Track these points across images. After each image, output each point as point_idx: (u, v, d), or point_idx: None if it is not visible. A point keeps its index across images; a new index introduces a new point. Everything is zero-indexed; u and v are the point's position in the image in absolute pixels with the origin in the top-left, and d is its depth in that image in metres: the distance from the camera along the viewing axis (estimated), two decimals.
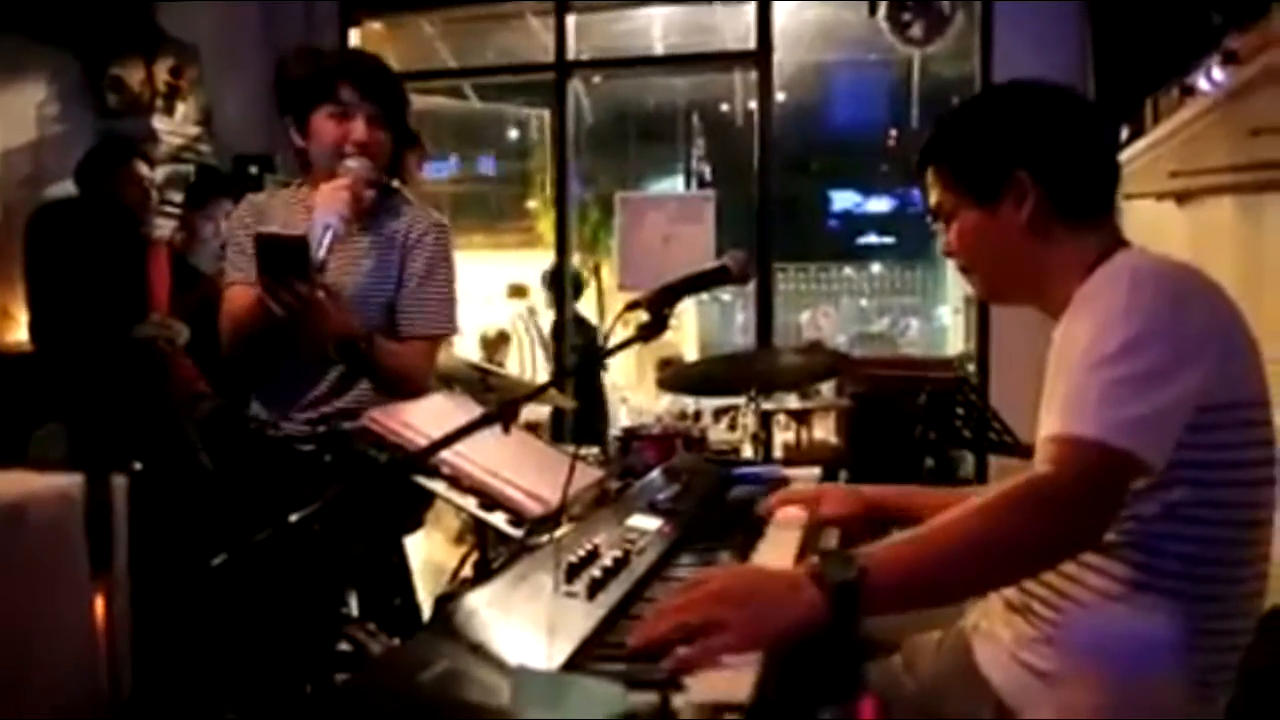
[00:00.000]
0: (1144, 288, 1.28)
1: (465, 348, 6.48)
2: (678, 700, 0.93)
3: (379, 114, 2.22)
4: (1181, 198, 2.88)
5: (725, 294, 10.44)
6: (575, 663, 1.03)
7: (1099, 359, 1.24)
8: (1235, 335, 1.32)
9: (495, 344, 6.98)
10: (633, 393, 7.46)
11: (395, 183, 2.39)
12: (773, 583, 1.17)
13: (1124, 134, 2.65)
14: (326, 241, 2.02)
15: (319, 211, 2.06)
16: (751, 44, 5.03)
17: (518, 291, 6.88)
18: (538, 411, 5.52)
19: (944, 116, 1.59)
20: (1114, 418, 1.20)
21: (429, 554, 4.94)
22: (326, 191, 2.12)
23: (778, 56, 5.07)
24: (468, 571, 2.14)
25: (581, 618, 1.14)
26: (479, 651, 1.02)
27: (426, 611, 2.45)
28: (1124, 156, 2.51)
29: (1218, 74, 1.83)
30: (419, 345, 2.26)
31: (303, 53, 2.37)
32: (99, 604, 1.18)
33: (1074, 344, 1.30)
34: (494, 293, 7.79)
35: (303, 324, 2.03)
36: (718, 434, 4.80)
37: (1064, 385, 1.27)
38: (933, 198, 1.54)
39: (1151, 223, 3.05)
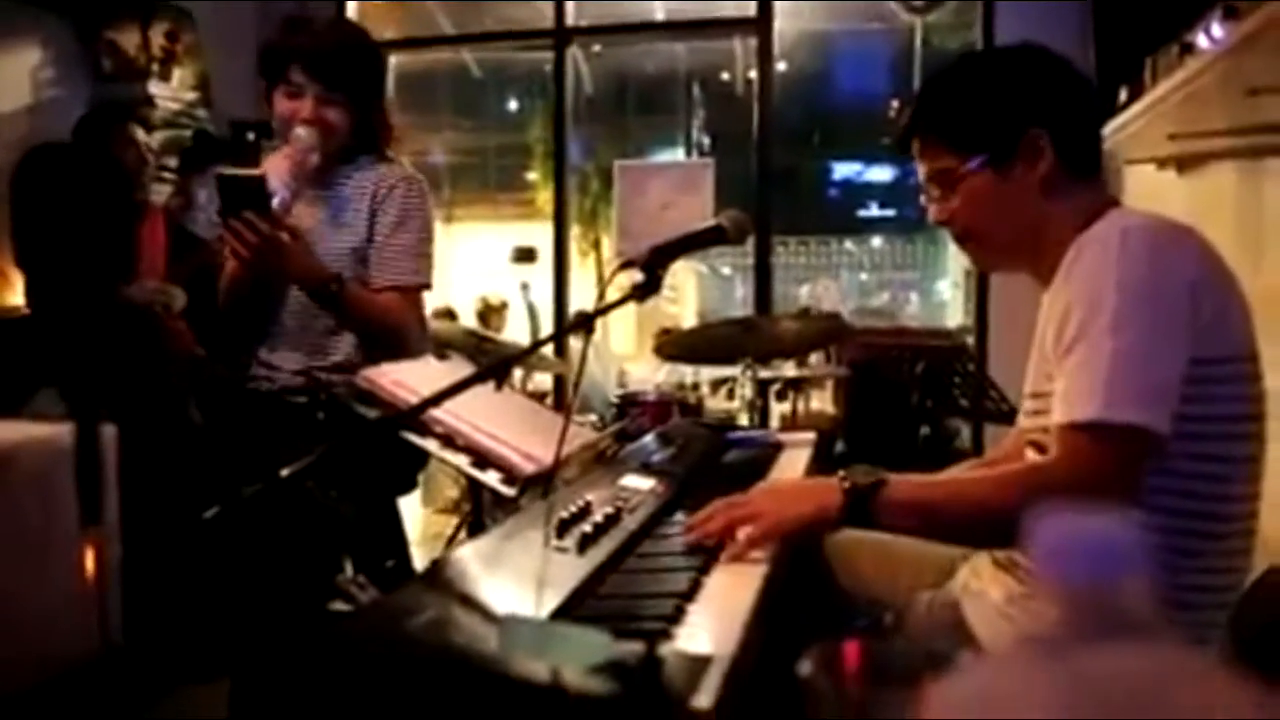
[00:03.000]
0: (1130, 248, 1.29)
1: (463, 317, 6.47)
2: (664, 649, 0.94)
3: (329, 93, 2.27)
4: (1181, 164, 2.87)
5: (725, 267, 10.44)
6: (564, 612, 1.03)
7: (1097, 334, 1.25)
8: (1225, 288, 1.33)
9: (493, 313, 6.94)
10: (631, 363, 7.46)
11: (389, 154, 2.44)
12: (803, 483, 1.48)
13: (1123, 95, 2.64)
14: (275, 208, 2.11)
15: (270, 182, 2.15)
16: (752, 11, 4.99)
17: (525, 255, 6.77)
18: (539, 381, 5.52)
19: (930, 84, 1.57)
20: (1122, 395, 1.22)
21: (425, 524, 4.96)
22: (273, 162, 2.24)
23: (778, 24, 5.02)
24: (463, 538, 2.14)
25: (571, 570, 1.14)
26: (468, 601, 1.02)
27: None
28: (1123, 119, 2.49)
29: (1217, 30, 1.82)
30: (393, 296, 2.31)
31: (283, 22, 2.40)
32: (89, 555, 1.18)
33: (1066, 311, 1.31)
34: (491, 263, 7.76)
35: (268, 265, 2.12)
36: (715, 403, 4.81)
37: (1067, 370, 1.28)
38: (928, 167, 1.52)
39: (1151, 190, 3.04)
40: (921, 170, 1.54)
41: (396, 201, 2.32)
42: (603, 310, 1.54)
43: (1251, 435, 1.34)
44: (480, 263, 7.87)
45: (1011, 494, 1.29)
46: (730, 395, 4.82)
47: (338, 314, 2.25)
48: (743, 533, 1.31)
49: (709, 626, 1.04)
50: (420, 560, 2.75)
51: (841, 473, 1.37)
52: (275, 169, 2.19)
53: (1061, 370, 1.30)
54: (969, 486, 1.39)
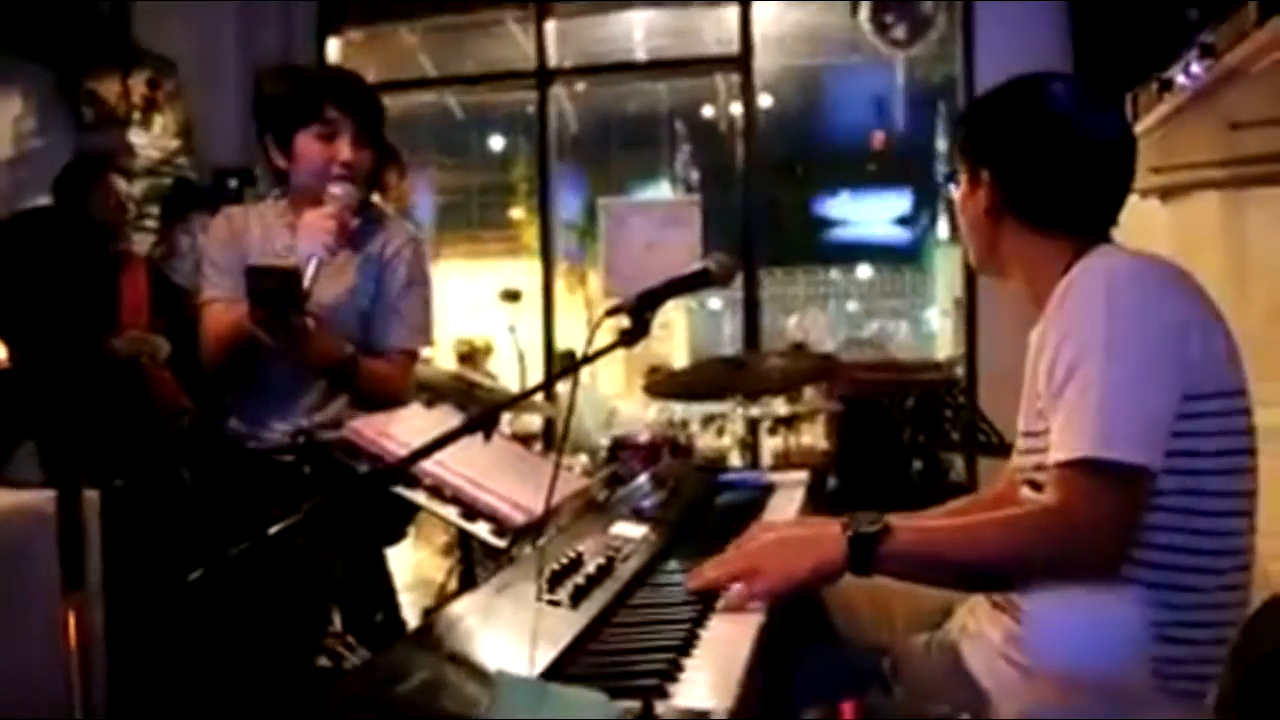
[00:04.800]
0: (1118, 287, 1.29)
1: (443, 358, 6.41)
2: (660, 707, 0.92)
3: (362, 131, 2.21)
4: (1165, 194, 2.88)
5: (714, 301, 10.44)
6: (557, 670, 1.01)
7: (1087, 373, 1.25)
8: (1212, 324, 1.33)
9: (478, 354, 6.89)
10: (621, 401, 7.43)
11: (375, 198, 2.40)
12: (805, 533, 1.37)
13: None
14: (311, 271, 2.02)
15: (304, 242, 2.06)
16: (734, 48, 5.03)
17: (511, 296, 6.73)
18: (527, 423, 5.48)
19: (992, 90, 1.58)
20: (1113, 432, 1.22)
21: (418, 568, 4.91)
22: (311, 221, 2.09)
23: (760, 60, 5.06)
24: (454, 585, 2.11)
25: (564, 625, 1.13)
26: (459, 660, 1.00)
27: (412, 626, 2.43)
28: None
29: (1195, 68, 1.83)
30: (396, 359, 2.29)
31: (281, 71, 2.34)
32: (71, 622, 1.16)
33: (1056, 350, 1.31)
34: (478, 303, 7.73)
35: (292, 349, 2.07)
36: (706, 440, 4.79)
37: (1060, 409, 1.28)
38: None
39: (1136, 219, 3.04)
40: None
41: (404, 262, 2.29)
42: (590, 358, 1.53)
43: (1245, 470, 1.34)
44: (465, 301, 7.85)
45: (1014, 541, 1.27)
46: (721, 432, 4.81)
47: (348, 389, 2.22)
48: (744, 587, 1.28)
49: (706, 681, 1.02)
50: (410, 607, 2.72)
51: (844, 520, 1.34)
52: (312, 232, 2.06)
53: (1055, 409, 1.30)
54: (971, 533, 1.35)
